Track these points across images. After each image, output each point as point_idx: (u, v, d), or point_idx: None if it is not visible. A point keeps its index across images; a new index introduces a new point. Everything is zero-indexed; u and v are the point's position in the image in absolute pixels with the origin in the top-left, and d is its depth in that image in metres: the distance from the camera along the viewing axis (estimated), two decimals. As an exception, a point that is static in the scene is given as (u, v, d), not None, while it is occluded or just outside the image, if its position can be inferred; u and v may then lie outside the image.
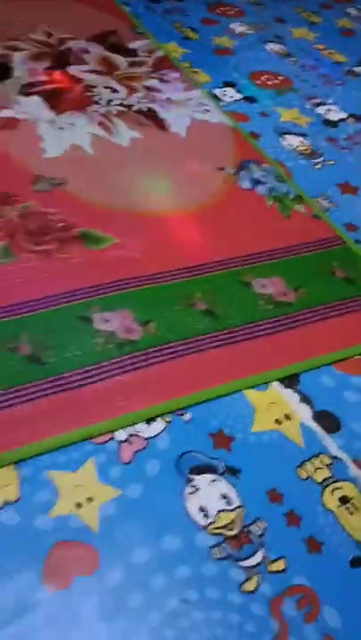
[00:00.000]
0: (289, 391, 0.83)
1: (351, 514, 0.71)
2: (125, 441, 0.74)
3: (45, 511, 0.66)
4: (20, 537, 0.63)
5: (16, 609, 0.59)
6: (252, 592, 0.63)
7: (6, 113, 1.25)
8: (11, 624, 0.58)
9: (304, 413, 0.81)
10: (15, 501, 0.66)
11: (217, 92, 1.46)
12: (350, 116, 1.47)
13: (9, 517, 0.65)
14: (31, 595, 0.60)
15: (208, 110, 1.36)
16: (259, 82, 1.54)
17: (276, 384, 0.83)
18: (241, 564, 0.65)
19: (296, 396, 0.83)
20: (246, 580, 0.64)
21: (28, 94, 1.32)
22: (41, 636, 0.57)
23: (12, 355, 0.80)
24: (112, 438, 0.74)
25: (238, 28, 1.79)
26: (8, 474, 0.68)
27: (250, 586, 0.63)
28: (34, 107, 1.28)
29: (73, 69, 1.42)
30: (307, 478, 0.74)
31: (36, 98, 1.31)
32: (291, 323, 0.92)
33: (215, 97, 1.43)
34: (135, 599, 0.61)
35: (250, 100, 1.46)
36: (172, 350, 0.84)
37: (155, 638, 0.58)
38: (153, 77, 1.45)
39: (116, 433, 0.74)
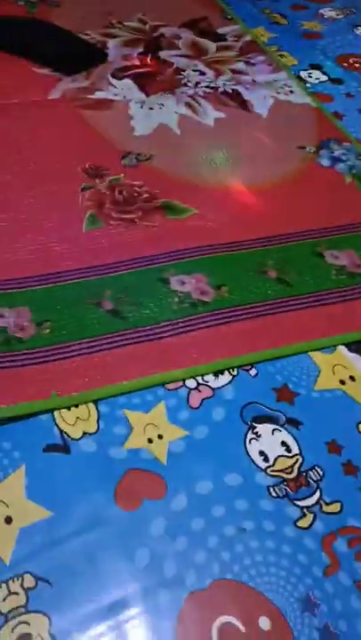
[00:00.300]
0: (355, 355, 0.86)
1: None
2: (195, 389, 0.80)
3: (120, 443, 0.73)
4: (97, 462, 0.71)
5: (89, 522, 0.66)
6: (306, 528, 0.67)
7: (101, 95, 1.34)
8: (84, 533, 0.65)
9: (368, 376, 0.84)
10: (93, 433, 0.74)
11: (303, 74, 1.49)
12: None
13: (88, 445, 0.72)
14: (104, 511, 0.67)
15: (292, 91, 1.40)
16: (346, 64, 1.55)
17: (342, 348, 0.87)
18: (297, 503, 0.69)
19: (361, 360, 0.86)
20: (301, 517, 0.68)
21: (121, 77, 1.40)
22: (110, 547, 0.65)
23: (96, 309, 0.88)
24: (183, 386, 0.80)
25: (328, 12, 1.80)
26: (89, 410, 0.76)
27: (304, 522, 0.68)
28: (126, 89, 1.36)
29: (164, 54, 1.50)
30: (367, 434, 0.77)
31: (128, 81, 1.39)
32: (361, 293, 0.95)
33: (300, 79, 1.46)
34: (197, 523, 0.67)
35: (336, 81, 1.48)
36: (241, 312, 0.89)
37: (211, 557, 0.64)
38: (240, 60, 1.49)
39: (187, 382, 0.80)
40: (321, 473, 0.72)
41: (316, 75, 1.49)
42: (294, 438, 0.75)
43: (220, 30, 1.64)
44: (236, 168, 1.17)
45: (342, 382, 0.82)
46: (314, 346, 0.86)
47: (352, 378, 0.83)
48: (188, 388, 0.80)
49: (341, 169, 1.19)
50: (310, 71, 1.50)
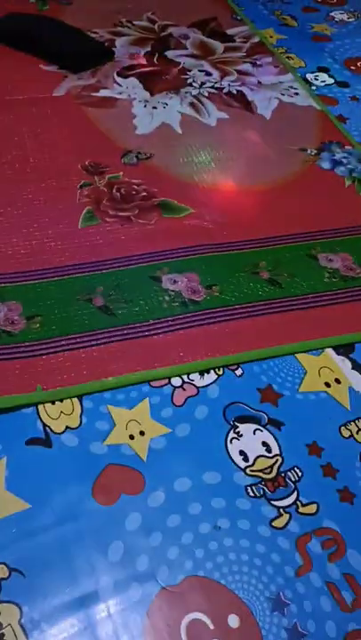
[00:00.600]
0: (342, 358, 0.86)
1: (387, 473, 0.74)
2: (180, 387, 0.80)
3: (101, 439, 0.74)
4: (77, 457, 0.72)
5: (66, 515, 0.67)
6: (281, 528, 0.68)
7: (106, 93, 1.34)
8: (60, 526, 0.66)
9: (355, 379, 0.84)
10: (76, 428, 0.75)
11: (309, 76, 1.48)
12: None
13: (69, 440, 0.73)
14: (81, 505, 0.68)
15: (297, 93, 1.39)
16: (353, 67, 1.55)
17: (330, 351, 0.87)
18: (274, 503, 0.70)
19: (348, 363, 0.86)
20: (277, 516, 0.68)
21: (126, 76, 1.40)
22: (84, 540, 0.65)
23: (86, 305, 0.88)
24: (168, 383, 0.80)
25: (339, 15, 1.80)
26: (73, 405, 0.77)
27: (280, 522, 0.68)
28: (131, 87, 1.36)
29: (171, 54, 1.50)
30: (349, 437, 0.77)
31: (133, 79, 1.39)
32: (355, 295, 0.95)
33: (306, 81, 1.46)
34: (173, 520, 0.67)
35: (342, 84, 1.47)
36: (231, 312, 0.90)
37: (185, 554, 0.65)
38: (246, 62, 1.50)
39: (173, 380, 0.81)
40: (300, 474, 0.72)
41: (323, 77, 1.49)
42: (275, 439, 0.76)
43: (229, 31, 1.64)
44: (234, 169, 1.17)
45: (328, 385, 0.82)
46: (301, 348, 0.86)
47: (337, 380, 0.83)
48: (173, 387, 0.80)
49: (342, 172, 1.18)
50: (317, 74, 1.50)
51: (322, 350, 0.87)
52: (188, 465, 0.72)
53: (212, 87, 1.40)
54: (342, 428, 0.78)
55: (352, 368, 0.85)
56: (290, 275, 0.96)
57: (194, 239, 1.00)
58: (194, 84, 1.40)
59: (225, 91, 1.39)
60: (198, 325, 0.87)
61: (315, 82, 1.47)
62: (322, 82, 1.47)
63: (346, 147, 1.25)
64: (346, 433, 0.77)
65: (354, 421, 0.79)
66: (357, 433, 0.78)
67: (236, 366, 0.83)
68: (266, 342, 0.86)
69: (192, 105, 1.33)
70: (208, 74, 1.45)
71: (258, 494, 0.70)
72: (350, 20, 1.79)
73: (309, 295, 0.94)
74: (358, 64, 1.56)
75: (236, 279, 0.94)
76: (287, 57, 1.56)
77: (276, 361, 0.84)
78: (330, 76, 1.50)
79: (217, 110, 1.33)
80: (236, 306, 0.90)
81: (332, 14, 1.80)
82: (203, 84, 1.41)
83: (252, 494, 0.70)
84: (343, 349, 0.87)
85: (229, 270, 0.96)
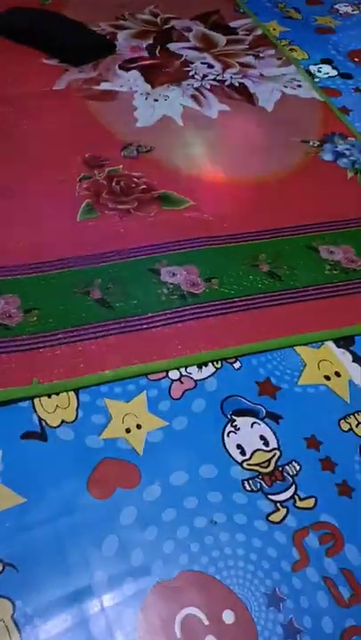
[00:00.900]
0: (342, 351, 0.85)
1: (387, 466, 0.73)
2: (178, 380, 0.79)
3: (97, 432, 0.73)
4: (73, 450, 0.71)
5: (61, 509, 0.66)
6: (277, 523, 0.67)
7: (107, 86, 1.34)
8: (55, 520, 0.65)
9: (355, 372, 0.82)
10: (72, 422, 0.74)
11: (312, 68, 1.47)
12: None
13: (65, 433, 0.73)
14: (76, 499, 0.67)
15: (300, 85, 1.38)
16: (357, 59, 1.53)
17: (330, 343, 0.86)
18: (271, 497, 0.69)
19: (349, 356, 0.84)
20: (274, 511, 0.67)
21: (128, 69, 1.39)
22: (79, 535, 0.65)
23: (84, 298, 0.88)
24: (166, 376, 0.79)
25: (343, 8, 1.78)
26: (69, 398, 0.76)
27: (276, 517, 0.67)
28: (133, 80, 1.35)
29: (173, 46, 1.49)
30: (349, 430, 0.76)
31: (135, 72, 1.38)
32: (356, 288, 0.94)
33: (309, 73, 1.44)
34: (169, 514, 0.67)
35: (345, 76, 1.46)
36: (230, 305, 0.88)
37: (180, 548, 0.64)
38: (249, 54, 1.48)
39: (170, 373, 0.80)
40: (298, 468, 0.71)
41: (326, 69, 1.47)
42: (273, 432, 0.75)
43: (232, 24, 1.62)
44: (235, 161, 1.16)
45: (327, 378, 0.81)
46: (301, 340, 0.85)
47: (337, 374, 0.82)
48: (171, 380, 0.79)
49: (344, 163, 1.17)
50: (320, 65, 1.48)
51: (322, 343, 0.86)
52: (185, 458, 0.71)
53: (214, 79, 1.38)
54: (342, 421, 0.77)
55: (353, 361, 0.84)
56: (290, 267, 0.95)
57: (194, 231, 0.99)
58: (196, 77, 1.39)
59: (227, 83, 1.37)
60: (197, 318, 0.86)
61: (318, 74, 1.45)
62: (325, 74, 1.45)
63: (349, 138, 1.23)
64: (345, 426, 0.76)
65: (353, 414, 0.78)
66: (357, 426, 0.76)
67: (234, 359, 0.82)
68: (265, 335, 0.85)
69: (194, 97, 1.32)
70: (210, 66, 1.43)
71: (255, 488, 0.69)
72: (355, 12, 1.77)
73: (310, 287, 0.92)
74: (362, 56, 1.54)
75: (236, 272, 0.93)
76: (290, 49, 1.54)
77: (275, 354, 0.83)
78: (333, 67, 1.48)
79: (219, 103, 1.31)
80: (236, 299, 0.89)
81: (337, 6, 1.78)
82: (205, 76, 1.39)
83: (248, 488, 0.69)
84: (344, 342, 0.86)
85: (229, 263, 0.95)
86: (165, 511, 0.67)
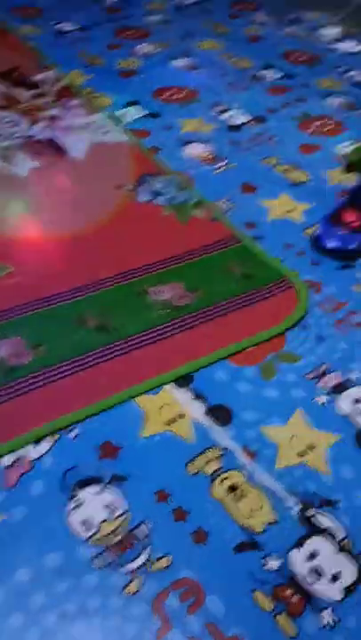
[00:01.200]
0: (182, 391, 0.84)
1: (238, 500, 0.71)
2: (11, 465, 0.74)
3: None
4: None
5: None
6: (134, 593, 0.63)
7: None
8: None
9: (197, 410, 0.81)
10: None
11: (120, 112, 1.48)
12: (253, 118, 1.49)
13: None
14: None
15: (108, 132, 1.39)
16: (163, 97, 1.57)
17: (169, 386, 0.84)
18: (124, 568, 0.65)
19: (189, 394, 0.83)
20: (129, 582, 0.64)
21: None
22: None
23: None
24: (-2, 463, 0.74)
25: (144, 48, 1.83)
26: None
27: (132, 588, 0.63)
28: None
29: (-25, 110, 1.45)
30: (197, 473, 0.74)
31: None
32: (188, 323, 0.93)
33: (116, 118, 1.46)
34: (16, 619, 0.61)
35: (153, 115, 1.49)
36: (60, 370, 0.85)
37: (31, 655, 0.58)
38: (55, 107, 1.47)
39: (4, 459, 0.74)
40: (149, 528, 0.68)
41: (133, 112, 1.49)
42: (120, 495, 0.71)
43: (36, 78, 1.62)
44: (51, 218, 1.13)
45: (169, 423, 0.79)
46: (137, 390, 0.83)
47: (180, 415, 0.80)
48: (4, 466, 0.74)
49: (160, 202, 1.18)
50: (127, 109, 1.50)
51: (161, 388, 0.84)
52: (27, 551, 0.66)
53: (21, 137, 1.36)
54: (189, 465, 0.75)
55: (193, 398, 0.83)
56: (118, 317, 0.93)
57: (15, 299, 0.95)
58: (1, 136, 1.36)
59: (35, 139, 1.35)
60: (24, 394, 0.82)
61: (125, 117, 1.47)
62: (133, 116, 1.47)
63: (162, 176, 1.25)
64: (193, 470, 0.74)
65: (200, 455, 0.76)
66: (205, 465, 0.75)
67: (69, 428, 0.78)
68: (99, 394, 0.82)
69: (3, 158, 1.29)
70: (16, 124, 1.41)
71: (104, 564, 0.65)
72: (156, 51, 1.82)
73: (142, 333, 0.91)
74: (167, 94, 1.59)
75: (63, 333, 0.90)
76: (95, 96, 1.55)
77: (111, 412, 0.80)
78: (140, 108, 1.51)
79: (28, 160, 1.29)
80: (63, 363, 0.85)
81: (137, 48, 1.83)
82: (12, 134, 1.36)
83: (98, 566, 0.65)
84: (182, 381, 0.85)
85: (56, 325, 0.91)
86: (12, 617, 0.61)
